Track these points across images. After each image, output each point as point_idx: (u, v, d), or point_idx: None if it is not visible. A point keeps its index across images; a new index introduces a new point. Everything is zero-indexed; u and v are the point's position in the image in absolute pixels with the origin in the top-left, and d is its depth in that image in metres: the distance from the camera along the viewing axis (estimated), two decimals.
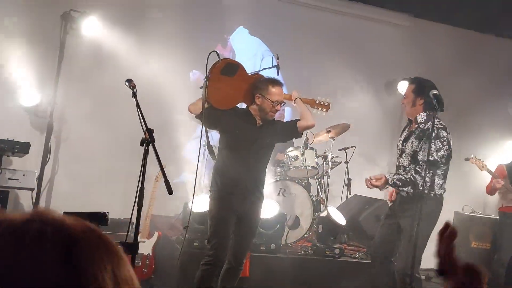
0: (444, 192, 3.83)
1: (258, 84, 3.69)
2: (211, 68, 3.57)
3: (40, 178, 5.55)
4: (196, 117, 3.68)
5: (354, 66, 6.52)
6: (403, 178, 3.69)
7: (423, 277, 6.44)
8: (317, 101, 4.01)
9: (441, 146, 3.64)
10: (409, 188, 3.67)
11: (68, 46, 5.68)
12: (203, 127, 3.62)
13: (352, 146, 5.65)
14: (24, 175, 4.22)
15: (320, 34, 6.67)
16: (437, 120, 3.67)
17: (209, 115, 3.57)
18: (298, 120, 3.87)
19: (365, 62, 6.71)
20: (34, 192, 5.39)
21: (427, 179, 3.63)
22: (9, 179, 4.11)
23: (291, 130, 3.87)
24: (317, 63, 6.61)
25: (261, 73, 4.33)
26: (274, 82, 3.71)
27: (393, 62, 6.95)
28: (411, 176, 3.67)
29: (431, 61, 6.83)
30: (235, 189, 3.60)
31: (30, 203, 5.52)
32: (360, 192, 5.92)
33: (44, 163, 5.60)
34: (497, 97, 7.14)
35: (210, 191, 3.71)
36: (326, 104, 4.00)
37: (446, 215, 6.07)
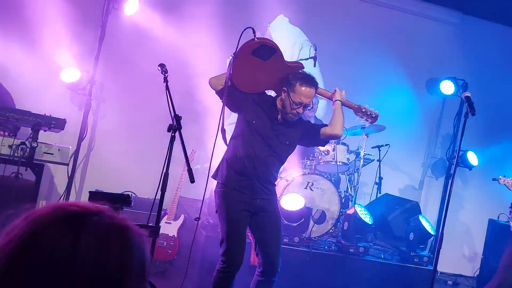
0: None
1: (289, 76, 3.23)
2: (242, 45, 3.16)
3: (76, 154, 5.72)
4: (216, 93, 3.31)
5: (395, 61, 6.34)
6: None
7: (450, 282, 6.30)
8: (363, 109, 3.50)
9: None
10: None
11: (109, 26, 5.77)
12: (223, 107, 3.18)
13: (386, 145, 5.51)
14: (59, 150, 4.34)
15: (363, 26, 6.50)
16: None
17: (230, 94, 3.18)
18: (325, 125, 3.43)
19: (407, 57, 6.49)
20: (70, 167, 5.57)
21: None
22: (44, 153, 4.24)
23: (314, 137, 3.43)
24: (358, 55, 6.45)
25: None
26: (305, 80, 3.21)
27: (438, 60, 6.71)
28: None
29: (478, 61, 6.57)
30: (242, 183, 3.27)
31: (65, 178, 5.72)
32: (391, 192, 5.81)
33: (80, 139, 5.76)
34: None
35: (214, 179, 3.38)
36: (374, 115, 3.55)
37: (480, 223, 5.95)
